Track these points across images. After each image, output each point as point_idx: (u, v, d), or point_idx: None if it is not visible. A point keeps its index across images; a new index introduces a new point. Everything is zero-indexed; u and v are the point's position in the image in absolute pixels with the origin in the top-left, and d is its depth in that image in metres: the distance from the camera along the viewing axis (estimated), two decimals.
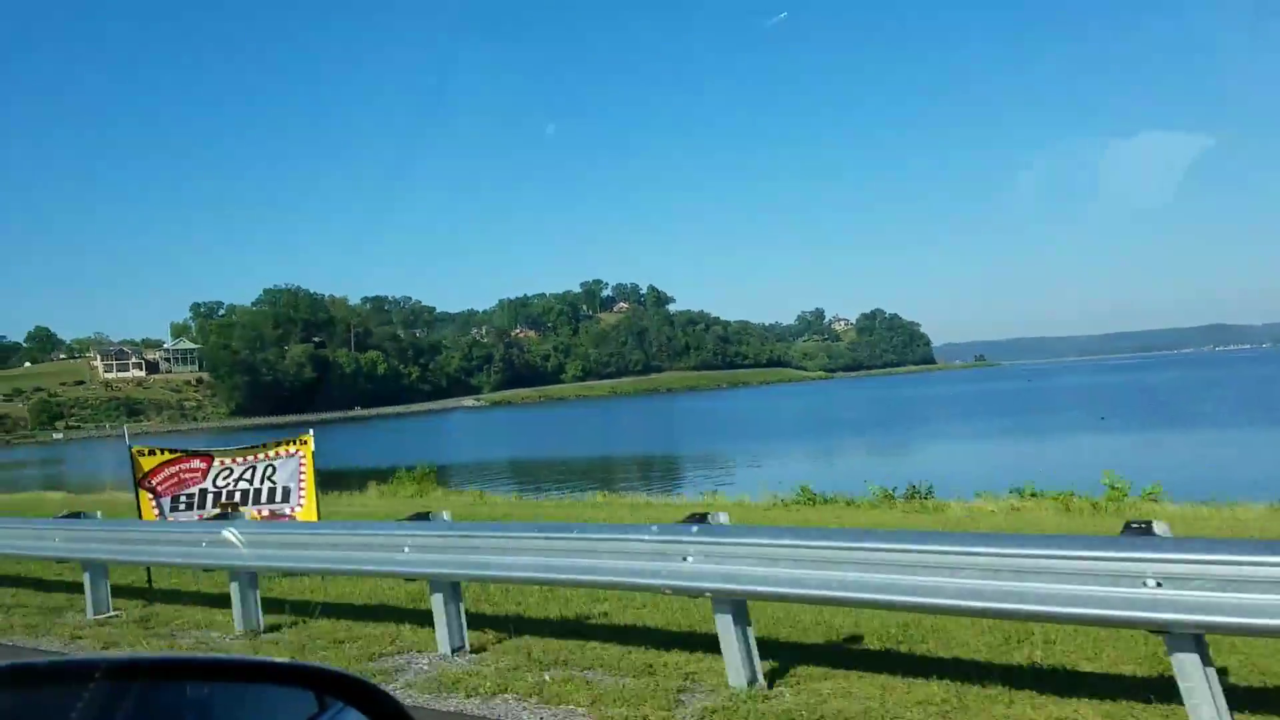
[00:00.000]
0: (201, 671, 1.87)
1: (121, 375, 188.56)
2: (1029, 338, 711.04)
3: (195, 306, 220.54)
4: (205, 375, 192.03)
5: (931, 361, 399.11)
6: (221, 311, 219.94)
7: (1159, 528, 5.06)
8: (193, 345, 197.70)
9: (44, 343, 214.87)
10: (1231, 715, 4.78)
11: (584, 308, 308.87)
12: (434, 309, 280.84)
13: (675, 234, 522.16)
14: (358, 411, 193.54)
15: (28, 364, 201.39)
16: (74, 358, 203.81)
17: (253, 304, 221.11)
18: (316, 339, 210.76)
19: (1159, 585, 4.80)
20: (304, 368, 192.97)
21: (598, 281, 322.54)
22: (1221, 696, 4.76)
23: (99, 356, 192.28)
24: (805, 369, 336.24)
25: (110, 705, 1.59)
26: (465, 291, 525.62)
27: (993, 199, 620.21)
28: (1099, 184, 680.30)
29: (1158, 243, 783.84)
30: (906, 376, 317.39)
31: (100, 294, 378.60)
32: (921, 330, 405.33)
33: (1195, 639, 4.79)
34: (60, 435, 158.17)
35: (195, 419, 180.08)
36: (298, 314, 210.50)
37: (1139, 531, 5.07)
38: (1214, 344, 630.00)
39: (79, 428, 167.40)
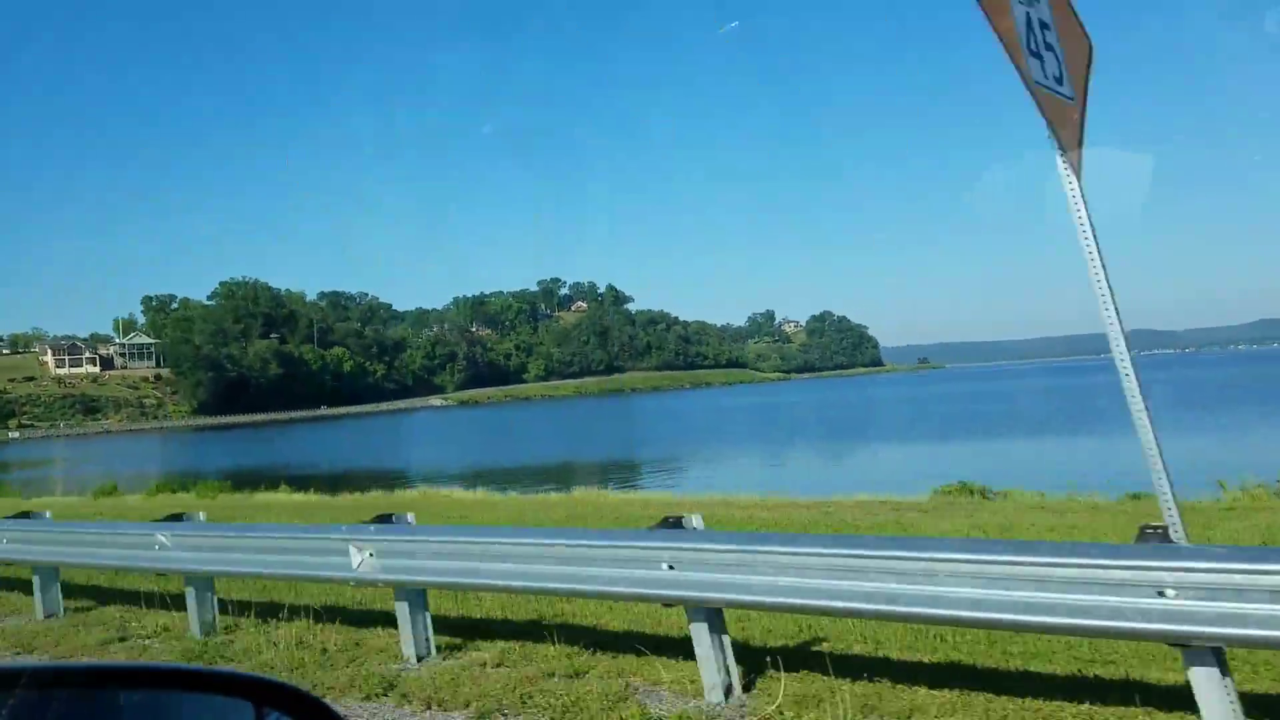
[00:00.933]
0: (136, 679, 1.82)
1: (75, 371, 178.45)
2: (967, 342, 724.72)
3: (147, 300, 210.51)
4: (164, 371, 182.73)
5: (880, 364, 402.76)
6: (175, 305, 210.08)
7: None
8: (149, 340, 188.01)
9: None
10: None
11: (542, 306, 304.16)
12: (390, 305, 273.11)
13: (625, 234, 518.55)
14: (324, 410, 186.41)
15: None
16: (18, 352, 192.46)
17: (208, 298, 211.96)
18: (276, 335, 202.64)
19: None
20: (268, 364, 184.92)
21: (555, 280, 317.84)
22: None
23: (49, 351, 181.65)
24: (760, 370, 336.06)
25: (37, 713, 1.54)
26: (414, 289, 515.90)
27: (942, 204, 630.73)
28: (1044, 192, 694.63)
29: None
30: (863, 378, 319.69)
31: (36, 288, 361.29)
32: (869, 333, 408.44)
33: None
34: (16, 435, 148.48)
35: (156, 417, 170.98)
36: (257, 308, 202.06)
37: None
38: (1139, 349, 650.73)
39: (32, 426, 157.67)
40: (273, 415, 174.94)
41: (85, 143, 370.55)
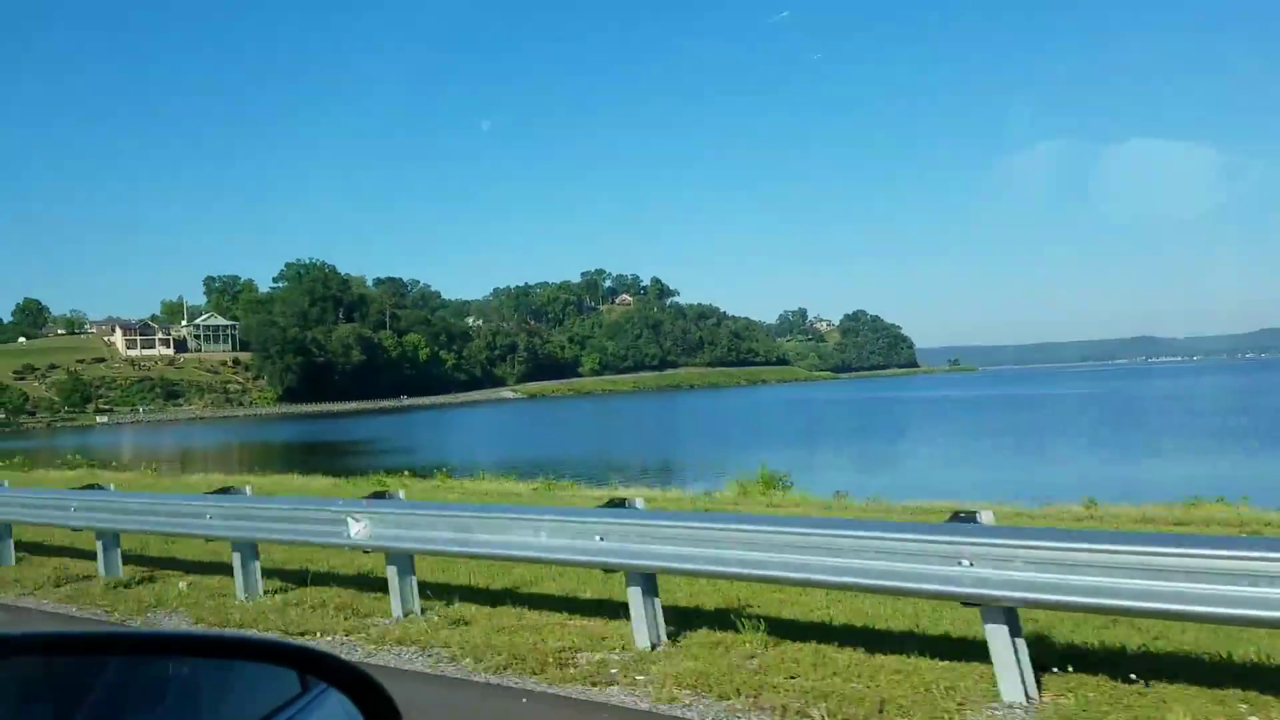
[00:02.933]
0: (184, 647, 1.84)
1: (147, 353, 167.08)
2: (996, 345, 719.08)
3: (209, 280, 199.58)
4: (241, 355, 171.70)
5: (914, 364, 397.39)
6: (237, 288, 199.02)
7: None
8: (223, 321, 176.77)
9: (34, 316, 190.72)
10: None
11: (586, 298, 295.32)
12: (440, 294, 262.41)
13: (655, 229, 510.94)
14: (405, 400, 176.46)
15: (21, 339, 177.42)
16: (75, 333, 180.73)
17: (274, 280, 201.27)
18: (350, 320, 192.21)
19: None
20: (351, 350, 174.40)
21: (600, 271, 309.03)
22: None
23: (120, 331, 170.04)
24: (804, 368, 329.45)
25: (89, 679, 1.57)
26: (451, 279, 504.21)
27: (971, 203, 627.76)
28: (1079, 192, 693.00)
29: (1093, 253, 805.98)
30: (908, 378, 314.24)
31: (79, 270, 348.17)
32: (903, 333, 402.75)
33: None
34: (104, 420, 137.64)
35: (241, 404, 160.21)
36: (328, 292, 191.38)
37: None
38: (1144, 355, 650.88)
39: (111, 410, 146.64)
40: (359, 404, 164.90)
41: (114, 125, 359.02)
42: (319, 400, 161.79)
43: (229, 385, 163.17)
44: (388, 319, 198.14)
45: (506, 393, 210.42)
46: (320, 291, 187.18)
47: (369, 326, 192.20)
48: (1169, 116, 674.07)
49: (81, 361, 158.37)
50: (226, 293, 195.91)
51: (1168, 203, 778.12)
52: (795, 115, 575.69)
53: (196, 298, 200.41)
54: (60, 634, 1.74)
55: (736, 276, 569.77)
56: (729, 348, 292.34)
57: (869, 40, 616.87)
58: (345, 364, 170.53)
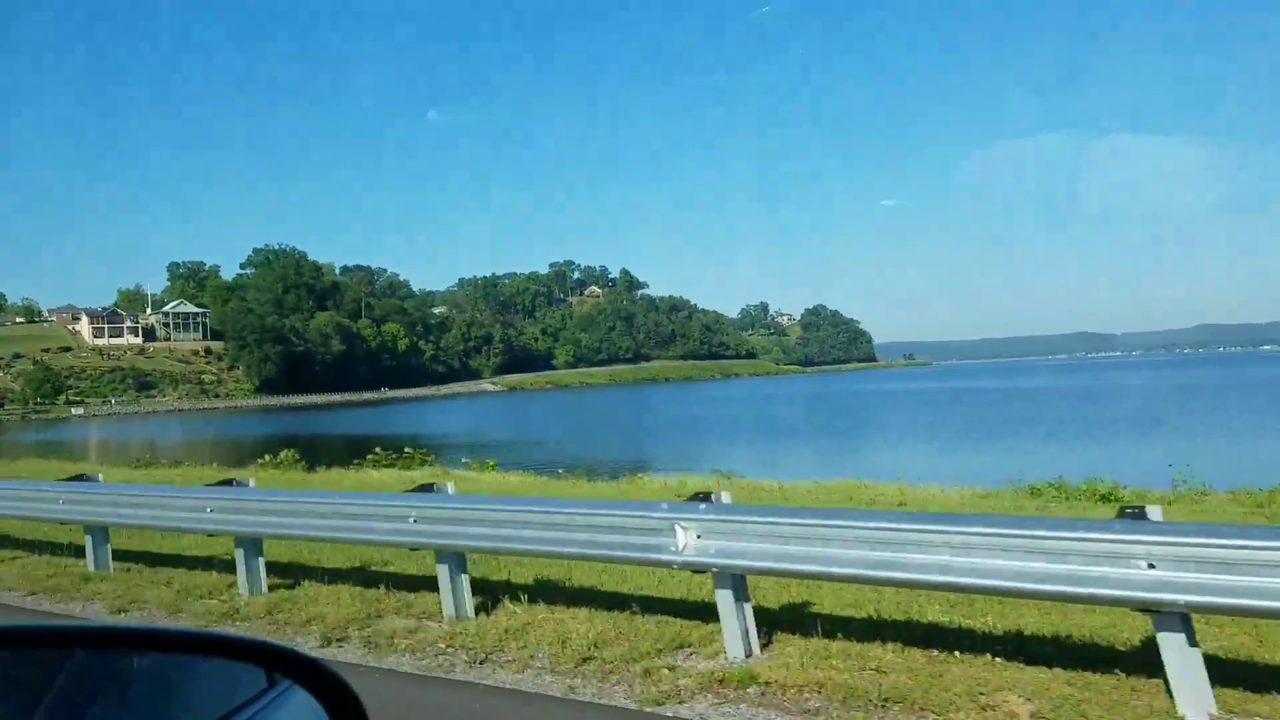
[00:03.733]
0: (150, 642, 1.82)
1: (114, 342, 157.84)
2: (949, 341, 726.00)
3: (174, 267, 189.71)
4: (213, 345, 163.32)
5: (873, 359, 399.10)
6: (203, 274, 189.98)
7: None
8: (194, 309, 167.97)
9: None
10: None
11: (555, 290, 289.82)
12: (409, 283, 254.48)
13: (618, 220, 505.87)
14: (387, 392, 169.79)
15: None
16: (34, 321, 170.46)
17: (241, 266, 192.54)
18: (323, 309, 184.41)
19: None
20: (330, 339, 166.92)
21: (568, 263, 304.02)
22: None
23: (86, 319, 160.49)
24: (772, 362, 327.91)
25: (52, 673, 1.55)
26: (411, 269, 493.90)
27: (927, 200, 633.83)
28: (1025, 193, 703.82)
29: (1038, 249, 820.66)
30: (870, 372, 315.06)
31: (25, 257, 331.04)
32: (862, 327, 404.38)
33: None
34: (80, 412, 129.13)
35: (217, 395, 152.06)
36: (300, 279, 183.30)
37: None
38: (1085, 351, 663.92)
39: (82, 402, 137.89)
40: (342, 396, 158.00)
41: (64, 108, 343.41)
42: (297, 392, 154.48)
43: (203, 376, 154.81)
44: (363, 308, 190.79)
45: (486, 385, 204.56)
46: (293, 278, 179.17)
47: (344, 315, 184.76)
48: (1115, 118, 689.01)
49: (46, 351, 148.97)
50: (192, 279, 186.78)
51: (1111, 203, 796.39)
52: (759, 108, 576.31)
53: (154, 285, 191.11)
54: (23, 627, 1.72)
55: (699, 270, 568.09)
56: (701, 341, 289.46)
57: (838, 37, 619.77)
58: (325, 354, 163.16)
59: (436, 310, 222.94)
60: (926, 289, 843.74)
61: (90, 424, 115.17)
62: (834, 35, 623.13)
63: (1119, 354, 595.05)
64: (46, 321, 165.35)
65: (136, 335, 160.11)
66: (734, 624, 6.24)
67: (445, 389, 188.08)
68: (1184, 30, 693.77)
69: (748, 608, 6.37)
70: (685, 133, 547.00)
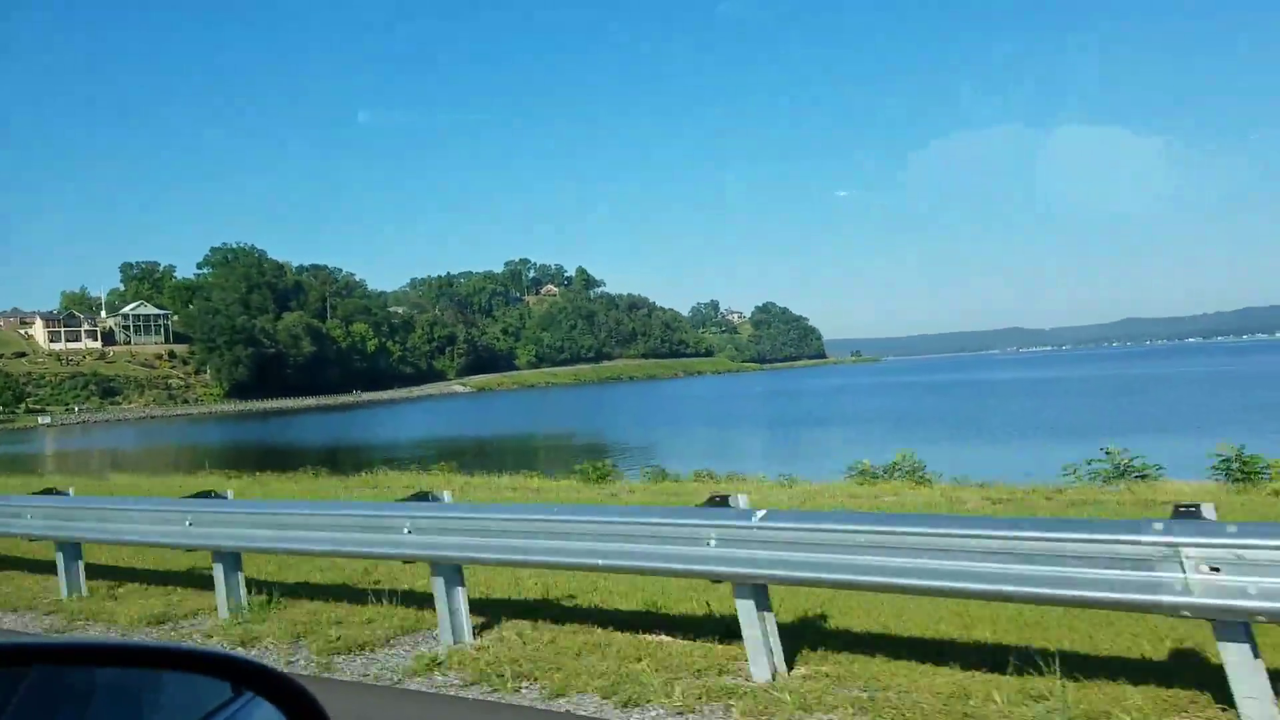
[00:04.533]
0: (111, 656, 1.77)
1: (72, 346, 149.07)
2: (894, 337, 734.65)
3: (126, 267, 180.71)
4: (177, 348, 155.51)
5: (823, 355, 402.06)
6: (157, 275, 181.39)
7: None
8: (156, 310, 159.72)
9: None
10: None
11: (511, 289, 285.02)
12: (365, 283, 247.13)
13: (568, 219, 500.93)
14: (360, 396, 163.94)
15: None
16: None
17: (199, 266, 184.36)
18: (285, 310, 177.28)
19: None
20: (300, 340, 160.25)
21: (524, 261, 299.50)
22: None
23: (40, 322, 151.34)
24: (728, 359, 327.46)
25: (12, 688, 1.52)
26: (361, 269, 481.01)
27: (872, 198, 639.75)
28: (956, 191, 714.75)
29: (968, 249, 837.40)
30: (827, 369, 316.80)
31: None
32: (811, 324, 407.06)
33: None
34: (48, 420, 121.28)
35: (186, 400, 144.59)
36: (262, 279, 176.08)
37: None
38: (1016, 345, 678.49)
39: (43, 410, 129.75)
40: (316, 399, 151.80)
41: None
42: (269, 395, 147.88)
43: (170, 380, 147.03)
44: (328, 308, 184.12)
45: (456, 386, 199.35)
46: (256, 278, 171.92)
47: (309, 316, 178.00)
48: (1055, 114, 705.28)
49: (0, 355, 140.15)
50: (146, 280, 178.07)
51: (1042, 201, 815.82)
52: (707, 107, 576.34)
53: (94, 287, 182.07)
54: None
55: (650, 268, 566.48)
56: (662, 339, 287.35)
57: (792, 32, 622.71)
58: (296, 356, 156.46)
59: (398, 310, 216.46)
60: (868, 286, 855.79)
61: (60, 433, 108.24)
62: (788, 30, 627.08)
63: (1049, 348, 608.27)
64: (24, 322, 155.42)
65: (95, 339, 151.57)
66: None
67: (418, 391, 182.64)
68: (1120, 28, 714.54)
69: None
70: (635, 130, 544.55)
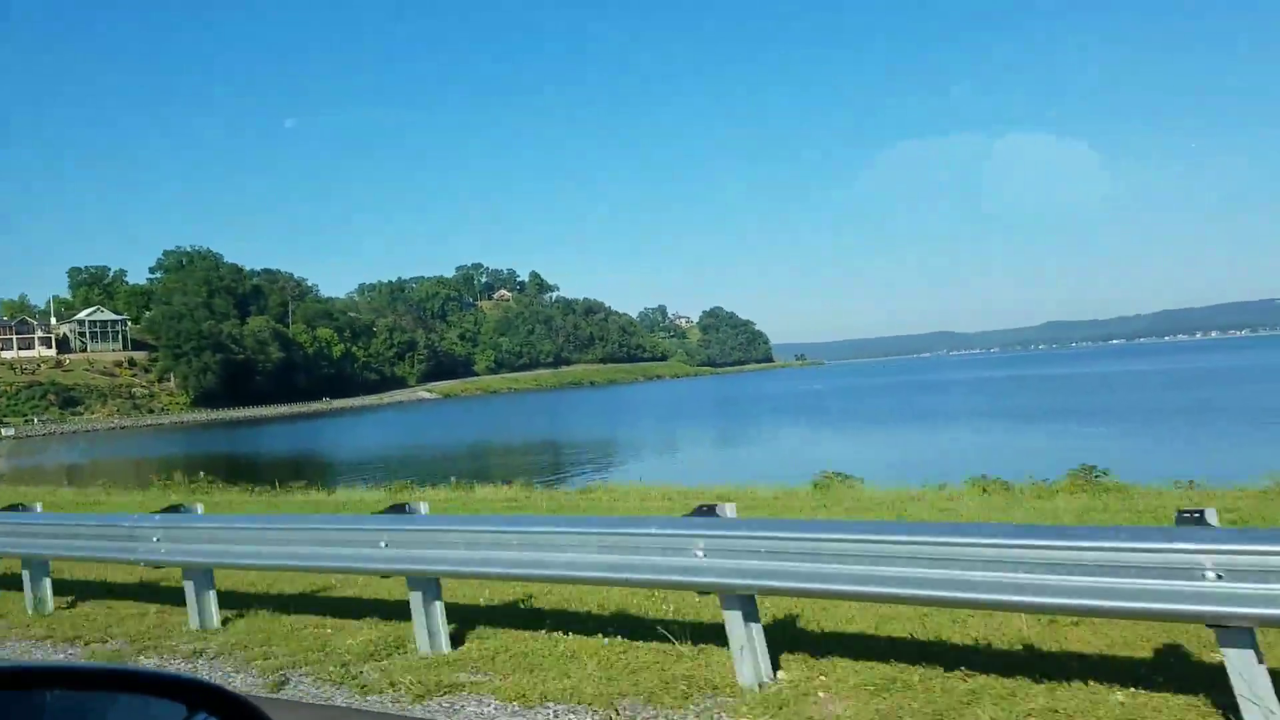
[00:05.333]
0: (64, 679, 1.75)
1: (24, 354, 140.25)
2: (839, 341, 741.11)
3: (75, 271, 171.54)
4: (136, 355, 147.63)
5: (770, 360, 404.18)
6: (108, 280, 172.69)
7: None
8: (113, 315, 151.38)
9: None
10: None
11: (464, 294, 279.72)
12: (317, 288, 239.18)
13: (509, 223, 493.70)
14: (330, 403, 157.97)
15: None
16: None
17: (151, 270, 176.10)
18: (242, 315, 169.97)
19: None
20: (267, 346, 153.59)
21: (476, 266, 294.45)
22: None
23: None
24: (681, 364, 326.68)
25: None
26: (305, 274, 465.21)
27: (817, 201, 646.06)
28: (887, 197, 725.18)
29: (897, 254, 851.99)
30: (774, 372, 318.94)
31: None
32: (759, 329, 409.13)
33: None
34: (11, 433, 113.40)
35: (152, 410, 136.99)
36: (220, 283, 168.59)
37: None
38: (946, 349, 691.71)
39: (4, 422, 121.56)
40: (289, 407, 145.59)
41: None
42: (237, 404, 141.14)
43: (133, 389, 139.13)
44: (290, 313, 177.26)
45: (423, 393, 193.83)
46: (215, 282, 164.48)
47: (270, 321, 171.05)
48: (985, 120, 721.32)
49: None
50: (96, 285, 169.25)
51: (966, 206, 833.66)
52: (649, 109, 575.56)
53: (37, 293, 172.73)
54: None
55: (597, 273, 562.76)
56: (619, 343, 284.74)
57: (708, 41, 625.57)
58: (265, 362, 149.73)
59: (357, 315, 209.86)
60: (804, 290, 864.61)
61: (28, 445, 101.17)
62: (737, 34, 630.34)
63: (979, 351, 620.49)
64: None
65: (49, 346, 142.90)
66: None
67: (386, 397, 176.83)
68: (1046, 31, 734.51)
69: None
70: (580, 133, 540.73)
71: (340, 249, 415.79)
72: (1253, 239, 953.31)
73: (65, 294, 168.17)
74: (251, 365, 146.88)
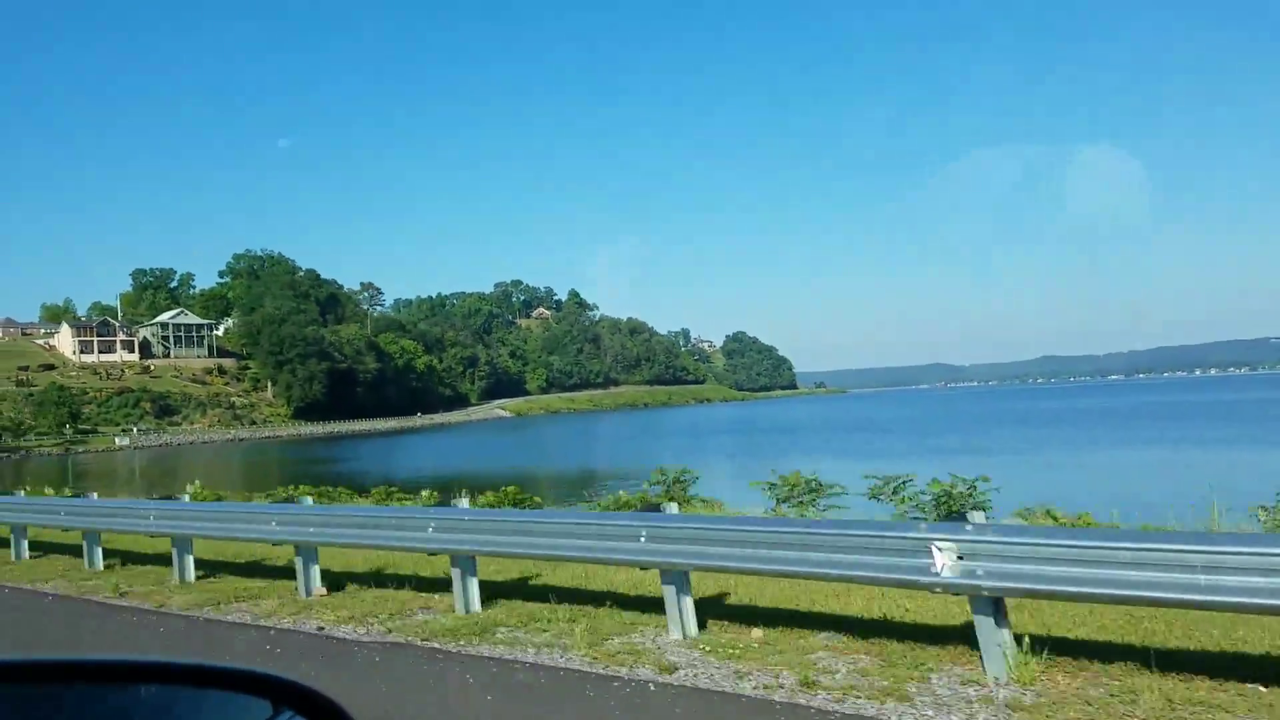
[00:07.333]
0: (152, 674, 1.78)
1: (105, 358, 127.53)
2: (853, 369, 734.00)
3: (139, 274, 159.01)
4: (224, 362, 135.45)
5: (795, 386, 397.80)
6: (174, 283, 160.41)
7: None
8: (198, 319, 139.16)
9: None
10: None
11: (504, 311, 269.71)
12: (385, 296, 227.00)
13: (535, 241, 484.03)
14: (421, 418, 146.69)
15: None
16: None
17: (220, 274, 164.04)
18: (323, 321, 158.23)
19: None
20: (364, 356, 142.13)
21: (516, 283, 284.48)
22: None
23: (70, 331, 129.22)
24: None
25: (52, 706, 1.54)
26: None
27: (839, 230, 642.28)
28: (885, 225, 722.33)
29: (894, 286, 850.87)
30: (813, 399, 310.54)
31: None
32: (782, 354, 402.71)
33: None
34: (127, 442, 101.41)
35: (253, 421, 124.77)
36: (300, 289, 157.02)
37: None
38: (944, 381, 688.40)
39: (95, 431, 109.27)
40: (399, 421, 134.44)
41: None
42: (339, 416, 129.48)
43: (234, 399, 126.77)
44: (369, 323, 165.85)
45: (499, 410, 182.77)
46: (301, 288, 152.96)
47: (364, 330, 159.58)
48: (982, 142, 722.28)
49: (25, 369, 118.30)
50: (161, 288, 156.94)
51: (966, 235, 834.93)
52: (665, 129, 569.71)
53: (82, 296, 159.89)
54: (23, 661, 1.66)
55: (621, 295, 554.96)
56: (666, 365, 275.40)
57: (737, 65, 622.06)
58: (364, 372, 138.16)
59: (426, 329, 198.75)
60: (819, 319, 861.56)
61: (156, 454, 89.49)
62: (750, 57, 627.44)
63: (975, 384, 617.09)
64: (25, 333, 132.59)
65: (131, 351, 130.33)
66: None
67: (473, 414, 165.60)
68: (1051, 48, 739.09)
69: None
70: (599, 155, 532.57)
71: (368, 262, 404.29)
72: (1247, 278, 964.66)
73: (104, 299, 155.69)
74: (352, 376, 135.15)
